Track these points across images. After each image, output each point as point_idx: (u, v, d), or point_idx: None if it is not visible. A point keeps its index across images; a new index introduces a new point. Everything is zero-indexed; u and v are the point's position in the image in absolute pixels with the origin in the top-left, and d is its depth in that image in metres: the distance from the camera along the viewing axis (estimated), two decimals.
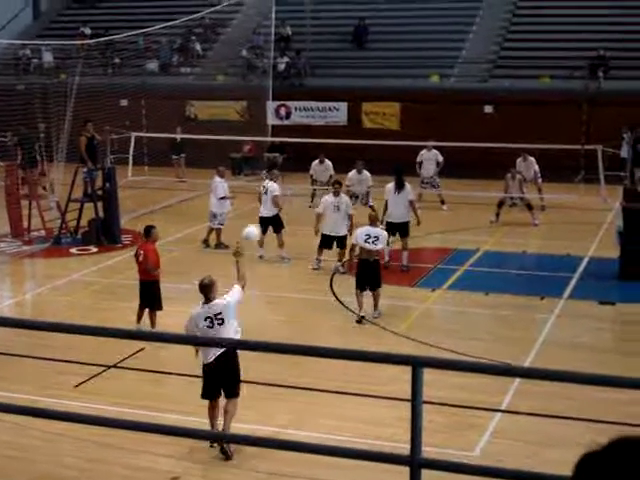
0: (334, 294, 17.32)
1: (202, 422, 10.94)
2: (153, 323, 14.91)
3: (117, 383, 13.01)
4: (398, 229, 18.69)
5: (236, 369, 10.76)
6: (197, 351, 11.10)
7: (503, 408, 11.82)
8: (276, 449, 5.50)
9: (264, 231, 19.38)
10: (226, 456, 10.25)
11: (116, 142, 25.70)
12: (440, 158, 25.40)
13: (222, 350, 10.53)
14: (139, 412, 11.27)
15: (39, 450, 10.64)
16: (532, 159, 24.92)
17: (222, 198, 21.09)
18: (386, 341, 14.53)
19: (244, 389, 12.39)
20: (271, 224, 19.94)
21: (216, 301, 11.00)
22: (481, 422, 11.46)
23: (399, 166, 19.39)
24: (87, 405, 11.56)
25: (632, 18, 33.09)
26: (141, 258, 14.90)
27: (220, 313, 10.96)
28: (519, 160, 24.84)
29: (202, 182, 28.12)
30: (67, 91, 23.92)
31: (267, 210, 20.06)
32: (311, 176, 26.25)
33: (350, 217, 18.69)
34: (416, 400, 4.61)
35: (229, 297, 11.05)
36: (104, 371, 13.29)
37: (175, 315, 15.74)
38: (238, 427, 10.70)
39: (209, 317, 10.92)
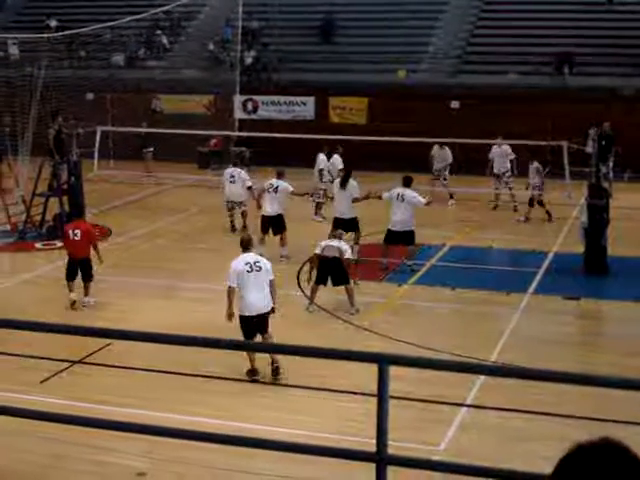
0: (300, 288, 17.31)
1: (168, 417, 10.92)
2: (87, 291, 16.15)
3: (83, 379, 12.94)
4: (344, 225, 18.51)
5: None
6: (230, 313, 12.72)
7: (469, 402, 11.89)
8: (242, 446, 5.49)
9: (265, 230, 19.48)
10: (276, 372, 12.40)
11: (82, 136, 25.49)
12: (512, 155, 25.07)
13: (263, 312, 12.59)
14: (105, 408, 11.21)
15: (1, 448, 10.54)
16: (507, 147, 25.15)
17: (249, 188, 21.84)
18: (352, 336, 14.55)
19: (204, 385, 12.40)
20: (273, 224, 19.56)
21: (253, 254, 12.92)
22: (447, 417, 11.52)
23: (349, 167, 20.44)
24: (52, 401, 11.48)
25: (598, 14, 33.39)
26: (78, 237, 16.02)
27: (259, 261, 12.75)
28: (494, 147, 25.17)
29: (169, 176, 28.13)
30: (32, 84, 23.69)
31: (273, 209, 19.65)
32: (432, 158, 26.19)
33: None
34: (382, 398, 4.62)
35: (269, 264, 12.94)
36: (70, 367, 13.20)
37: (141, 311, 15.74)
38: (204, 423, 10.69)
39: (248, 262, 12.66)
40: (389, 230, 18.59)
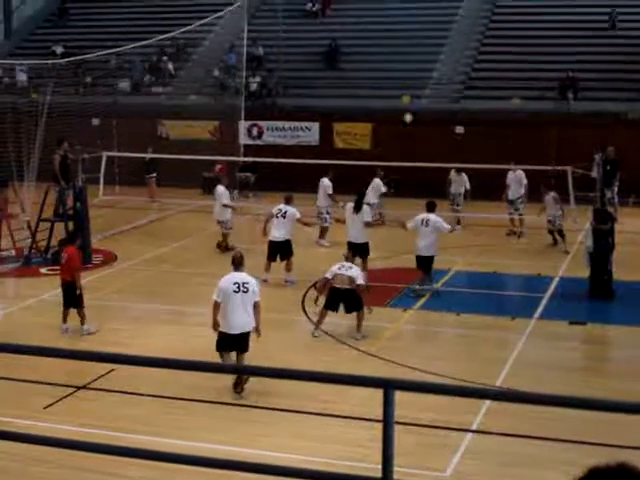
0: (305, 314, 17.30)
1: (173, 443, 10.88)
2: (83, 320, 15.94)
3: (88, 404, 12.91)
4: (356, 249, 18.65)
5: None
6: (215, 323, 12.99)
7: (474, 428, 11.83)
8: (247, 472, 5.46)
9: (273, 256, 19.49)
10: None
11: (87, 161, 25.59)
12: (525, 180, 25.17)
13: (245, 330, 12.86)
14: (109, 433, 11.18)
15: (6, 472, 10.50)
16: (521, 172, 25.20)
17: (224, 205, 22.36)
18: (358, 361, 14.51)
19: (213, 411, 12.36)
20: (281, 250, 19.56)
21: (244, 274, 13.01)
22: (452, 442, 11.46)
23: (362, 190, 20.35)
24: (56, 426, 11.46)
25: (601, 39, 33.54)
26: (64, 260, 16.10)
27: (247, 283, 12.84)
28: (510, 172, 25.26)
29: (174, 202, 28.17)
30: (38, 110, 23.79)
31: (281, 234, 19.63)
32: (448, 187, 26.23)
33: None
34: (388, 423, 4.60)
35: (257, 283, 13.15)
36: (74, 392, 13.17)
37: (144, 336, 15.72)
38: (209, 448, 10.65)
39: (237, 283, 12.79)
40: (417, 256, 18.67)
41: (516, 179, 25.06)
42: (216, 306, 13.01)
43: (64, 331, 15.85)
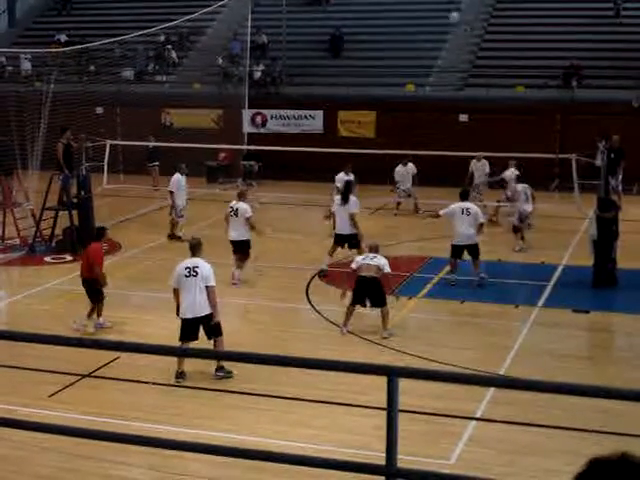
0: (310, 302, 17.32)
1: (177, 431, 10.93)
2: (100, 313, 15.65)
3: (92, 392, 12.96)
4: (344, 240, 18.81)
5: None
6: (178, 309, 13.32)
7: (478, 416, 11.86)
8: (250, 459, 5.48)
9: (236, 255, 18.64)
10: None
11: (91, 150, 25.58)
12: (487, 169, 25.40)
13: (197, 315, 13.07)
14: (113, 421, 11.23)
15: (11, 460, 10.55)
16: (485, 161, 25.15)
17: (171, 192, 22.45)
18: (362, 349, 14.54)
19: (217, 399, 12.39)
20: (239, 250, 18.62)
21: (198, 259, 13.30)
22: (456, 430, 11.49)
23: (349, 181, 20.14)
24: (61, 415, 11.51)
25: (605, 27, 33.44)
26: (85, 256, 15.74)
27: (197, 267, 13.12)
28: (473, 161, 25.33)
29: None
30: (42, 99, 23.80)
31: (237, 233, 18.60)
32: (396, 181, 26.21)
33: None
34: (392, 410, 4.61)
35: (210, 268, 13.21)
36: (79, 380, 13.22)
37: (148, 324, 15.76)
38: (212, 436, 10.69)
39: (188, 267, 13.17)
40: (455, 245, 18.61)
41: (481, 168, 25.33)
42: (174, 292, 13.48)
43: (100, 325, 15.48)
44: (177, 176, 22.91)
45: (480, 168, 25.77)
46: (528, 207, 21.60)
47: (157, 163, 30.53)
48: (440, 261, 20.14)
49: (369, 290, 15.20)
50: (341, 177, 23.89)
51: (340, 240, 18.81)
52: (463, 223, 18.47)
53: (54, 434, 7.38)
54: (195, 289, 13.15)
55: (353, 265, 15.50)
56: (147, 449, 9.83)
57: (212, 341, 13.20)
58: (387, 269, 15.29)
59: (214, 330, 13.18)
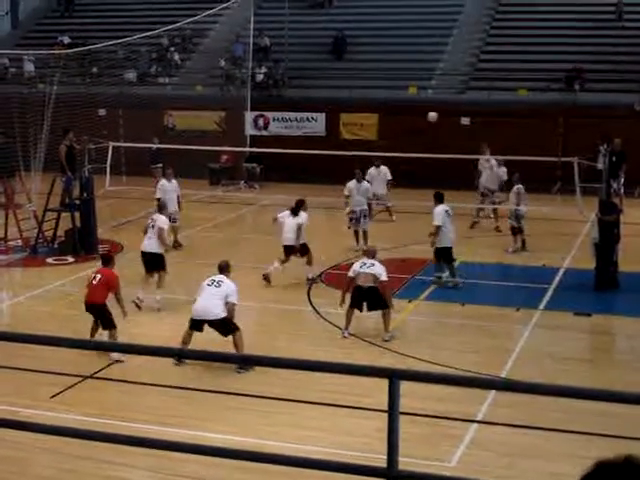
0: (311, 304, 17.34)
1: (179, 433, 10.94)
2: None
3: (93, 394, 12.97)
4: (292, 251, 18.71)
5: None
6: None
7: (479, 419, 11.86)
8: (252, 461, 5.50)
9: (147, 270, 17.56)
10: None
11: (94, 152, 25.61)
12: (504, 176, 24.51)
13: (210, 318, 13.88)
14: (115, 423, 11.25)
15: (12, 461, 10.57)
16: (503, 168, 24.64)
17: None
18: (363, 352, 14.55)
19: (218, 401, 12.39)
20: (151, 264, 17.44)
21: (223, 276, 14.35)
22: (457, 433, 11.50)
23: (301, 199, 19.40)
24: (63, 416, 11.53)
25: (607, 31, 33.47)
26: (96, 281, 14.52)
27: (222, 280, 14.18)
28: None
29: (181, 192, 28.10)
30: (45, 101, 23.84)
31: (150, 246, 17.50)
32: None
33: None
34: (393, 412, 4.63)
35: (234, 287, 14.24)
36: (80, 382, 13.23)
37: (150, 325, 15.77)
38: (215, 438, 10.70)
39: (213, 280, 14.26)
40: (448, 248, 18.53)
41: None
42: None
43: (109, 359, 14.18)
44: (161, 182, 22.49)
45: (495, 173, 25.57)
46: (522, 208, 21.63)
47: (160, 165, 30.57)
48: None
49: (367, 298, 15.30)
50: (372, 171, 24.26)
51: (288, 252, 18.69)
52: (448, 226, 18.50)
53: (56, 435, 7.39)
54: (211, 295, 14.03)
55: (350, 273, 15.51)
56: (147, 450, 9.85)
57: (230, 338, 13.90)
58: (384, 277, 15.27)
59: (225, 331, 13.95)
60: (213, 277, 14.39)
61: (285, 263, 18.82)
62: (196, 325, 14.07)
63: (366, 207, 21.87)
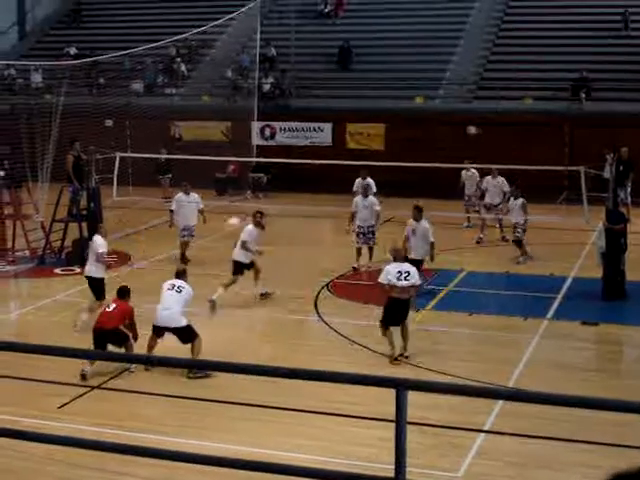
0: (318, 314, 17.33)
1: (186, 443, 10.93)
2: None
3: (101, 404, 12.97)
4: (242, 268, 18.09)
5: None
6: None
7: (487, 429, 11.83)
8: (255, 471, 5.50)
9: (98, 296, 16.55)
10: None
11: (101, 162, 25.67)
12: (506, 187, 23.99)
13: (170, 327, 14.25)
14: (122, 433, 11.24)
15: (17, 472, 10.57)
16: (502, 179, 24.22)
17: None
18: (370, 362, 14.52)
19: (224, 411, 12.38)
20: (91, 287, 16.69)
21: (182, 282, 14.68)
22: (465, 443, 11.46)
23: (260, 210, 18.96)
24: (70, 426, 11.52)
25: (613, 40, 33.47)
26: (111, 309, 14.25)
27: (183, 286, 14.53)
28: (488, 177, 24.32)
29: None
30: (52, 111, 23.91)
31: (88, 268, 16.79)
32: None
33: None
34: (400, 422, 4.63)
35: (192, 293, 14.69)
36: (88, 392, 13.24)
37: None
38: (221, 448, 10.69)
39: (173, 284, 14.57)
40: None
41: (496, 185, 24.18)
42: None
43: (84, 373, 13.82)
44: (178, 194, 22.25)
45: (496, 185, 25.51)
46: (519, 219, 21.46)
47: (169, 176, 30.69)
48: (448, 273, 20.13)
49: (402, 309, 14.57)
50: (359, 182, 23.89)
51: (240, 268, 18.09)
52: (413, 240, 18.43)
53: (63, 446, 7.40)
54: (174, 303, 14.34)
55: (383, 279, 14.57)
56: (156, 461, 9.85)
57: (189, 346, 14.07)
58: (419, 282, 15.05)
59: (187, 338, 14.17)
60: (173, 282, 14.66)
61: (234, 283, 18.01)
62: (158, 331, 14.39)
63: (373, 222, 20.99)
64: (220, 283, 17.81)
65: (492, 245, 23.54)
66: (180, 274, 14.95)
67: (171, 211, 21.99)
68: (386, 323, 14.62)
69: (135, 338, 14.29)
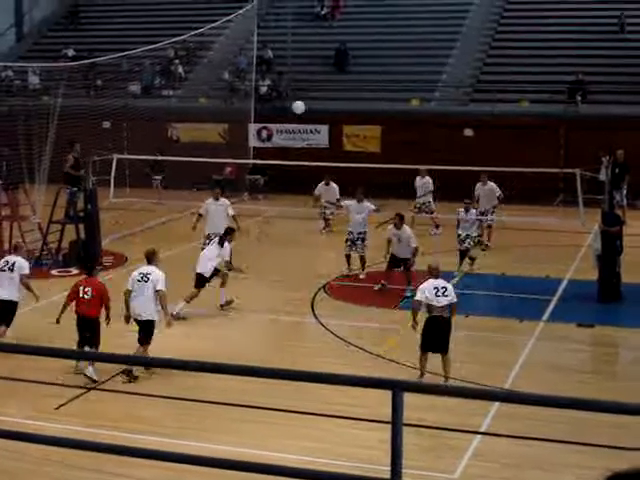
0: (315, 316, 17.36)
1: (184, 445, 10.96)
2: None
3: (98, 405, 13.00)
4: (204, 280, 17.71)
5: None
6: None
7: (483, 430, 11.88)
8: (254, 472, 5.53)
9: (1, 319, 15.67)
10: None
11: (98, 164, 25.69)
12: (498, 192, 23.91)
13: (142, 318, 14.14)
14: (119, 434, 11.27)
15: (12, 472, 10.58)
16: (493, 184, 24.06)
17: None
18: (367, 364, 14.57)
19: (222, 412, 12.41)
20: (6, 311, 15.69)
21: (152, 267, 14.36)
22: (461, 444, 11.51)
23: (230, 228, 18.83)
24: (67, 427, 11.55)
25: (609, 43, 33.54)
26: (88, 295, 14.41)
27: (150, 274, 14.20)
28: (479, 185, 24.12)
29: (184, 204, 28.20)
30: (50, 113, 23.93)
31: (6, 292, 15.75)
32: (316, 197, 25.99)
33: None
34: (396, 424, 4.67)
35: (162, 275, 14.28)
36: (85, 393, 13.26)
37: (154, 337, 15.77)
38: (221, 450, 10.72)
39: (142, 273, 14.26)
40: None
41: (487, 192, 24.02)
42: (125, 293, 14.45)
43: (79, 369, 14.06)
44: (208, 200, 21.60)
45: (424, 185, 25.55)
46: (473, 231, 21.08)
47: (159, 177, 30.76)
48: (445, 275, 20.12)
49: (441, 334, 13.56)
50: (321, 187, 24.55)
51: (201, 281, 17.75)
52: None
53: (59, 447, 7.42)
54: (144, 292, 14.18)
55: (419, 296, 13.70)
56: (153, 462, 9.88)
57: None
58: (455, 299, 13.72)
59: (142, 338, 14.13)
60: (141, 270, 14.47)
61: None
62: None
63: (365, 230, 20.58)
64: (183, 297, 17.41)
65: (488, 247, 23.54)
66: (150, 258, 14.62)
67: (200, 215, 21.19)
68: (424, 348, 13.56)
69: (107, 321, 14.44)
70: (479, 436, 11.75)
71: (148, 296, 14.12)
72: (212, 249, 17.96)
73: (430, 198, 25.46)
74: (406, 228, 18.82)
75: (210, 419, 12.36)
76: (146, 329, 14.20)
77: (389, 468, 4.79)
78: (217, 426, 12.07)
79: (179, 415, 12.56)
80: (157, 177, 31.06)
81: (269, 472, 5.95)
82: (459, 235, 20.86)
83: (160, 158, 30.30)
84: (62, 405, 12.78)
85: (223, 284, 17.88)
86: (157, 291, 14.07)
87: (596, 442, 10.88)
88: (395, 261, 18.90)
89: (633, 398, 12.04)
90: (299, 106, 22.18)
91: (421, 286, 13.87)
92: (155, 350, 14.39)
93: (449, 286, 13.78)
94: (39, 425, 11.52)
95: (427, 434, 11.47)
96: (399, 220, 18.75)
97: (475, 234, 21.04)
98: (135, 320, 14.33)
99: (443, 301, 13.48)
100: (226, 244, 17.81)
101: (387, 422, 4.86)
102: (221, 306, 17.84)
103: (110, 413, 12.58)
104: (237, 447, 11.04)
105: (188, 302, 17.28)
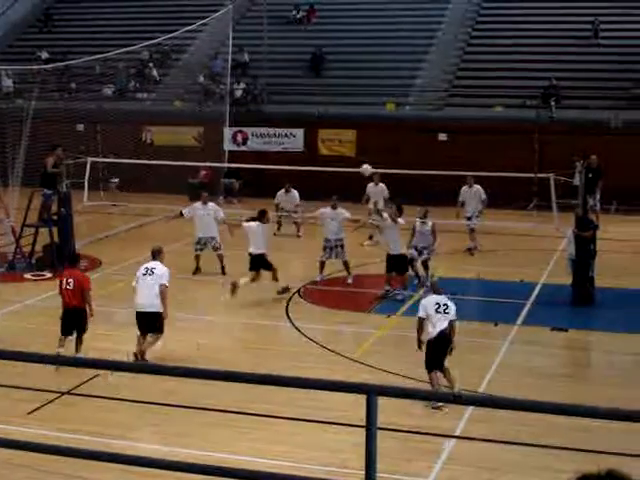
0: (290, 320, 17.34)
1: (154, 449, 10.91)
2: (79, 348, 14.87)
3: (70, 410, 12.91)
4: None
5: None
6: None
7: (457, 434, 11.90)
8: (227, 477, 5.51)
9: None
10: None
11: (72, 167, 25.54)
12: (483, 196, 23.79)
13: (146, 310, 14.44)
14: (90, 438, 11.20)
15: None
16: (479, 187, 24.04)
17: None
18: (341, 367, 14.56)
19: (196, 417, 12.37)
20: None
21: (157, 262, 14.82)
22: (435, 448, 11.53)
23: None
24: (40, 432, 11.46)
25: (583, 48, 33.79)
26: (71, 286, 14.74)
27: (155, 268, 14.64)
28: (464, 187, 24.12)
29: (160, 207, 28.06)
30: (23, 115, 23.78)
31: None
32: (277, 205, 26.12)
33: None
34: (370, 428, 4.66)
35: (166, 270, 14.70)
36: (58, 397, 13.17)
37: (130, 341, 15.69)
38: (188, 454, 10.67)
39: (147, 268, 14.72)
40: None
41: (473, 195, 23.98)
42: (134, 290, 14.83)
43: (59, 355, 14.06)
44: (195, 204, 21.96)
45: (377, 192, 25.36)
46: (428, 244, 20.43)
47: (116, 180, 30.99)
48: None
49: (444, 348, 13.22)
50: (281, 194, 25.10)
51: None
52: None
53: (31, 451, 7.36)
54: (149, 286, 14.47)
55: (421, 313, 13.41)
56: (123, 466, 9.81)
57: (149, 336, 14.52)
58: (456, 317, 13.42)
59: (154, 327, 14.50)
60: (147, 265, 14.87)
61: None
62: (140, 319, 14.58)
63: (342, 236, 20.34)
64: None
65: (462, 251, 23.62)
66: (155, 254, 15.05)
67: (181, 213, 21.84)
68: (430, 366, 13.18)
69: (91, 313, 14.77)
70: (453, 440, 11.77)
71: (153, 289, 14.46)
72: (261, 229, 18.90)
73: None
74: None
75: (182, 423, 12.31)
76: (153, 321, 14.51)
77: (362, 472, 4.78)
78: (188, 430, 12.02)
79: (151, 419, 12.50)
80: (114, 180, 31.26)
81: (242, 477, 5.93)
82: (415, 247, 19.93)
83: (118, 161, 29.95)
84: (35, 410, 12.67)
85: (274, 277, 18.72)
86: (160, 285, 14.47)
87: (569, 445, 10.95)
88: (392, 263, 18.89)
89: (606, 402, 12.11)
90: (367, 169, 22.66)
91: (422, 302, 13.68)
92: (129, 355, 14.32)
93: (450, 303, 13.44)
94: (11, 430, 11.41)
95: (402, 438, 11.48)
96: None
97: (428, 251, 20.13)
98: (138, 313, 14.58)
99: (443, 322, 13.18)
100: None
101: (361, 426, 4.85)
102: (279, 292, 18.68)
103: (83, 418, 12.50)
104: (209, 452, 11.02)
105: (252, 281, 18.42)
